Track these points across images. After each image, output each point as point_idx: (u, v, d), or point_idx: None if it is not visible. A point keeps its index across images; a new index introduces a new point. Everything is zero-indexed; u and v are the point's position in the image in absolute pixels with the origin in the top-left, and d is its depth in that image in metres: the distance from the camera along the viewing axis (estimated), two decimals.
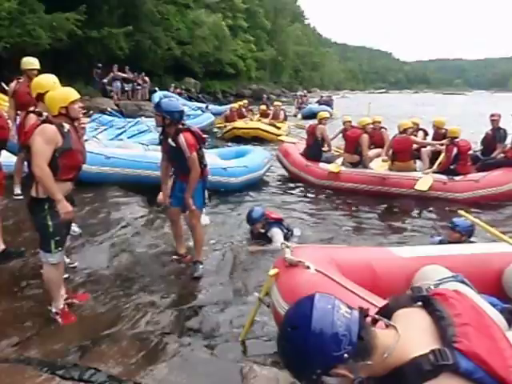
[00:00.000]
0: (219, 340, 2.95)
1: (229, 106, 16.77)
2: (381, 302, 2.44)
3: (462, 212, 3.13)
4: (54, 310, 3.02)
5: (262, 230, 4.88)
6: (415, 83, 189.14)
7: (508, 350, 1.12)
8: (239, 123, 13.42)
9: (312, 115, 13.24)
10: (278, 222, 4.99)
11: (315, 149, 8.06)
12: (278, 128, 13.61)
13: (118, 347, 2.63)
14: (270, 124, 13.72)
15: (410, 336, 1.11)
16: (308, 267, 2.58)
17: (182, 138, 3.78)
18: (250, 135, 12.66)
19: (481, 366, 1.05)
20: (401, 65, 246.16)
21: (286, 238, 4.85)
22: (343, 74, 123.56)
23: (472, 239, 4.22)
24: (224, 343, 2.90)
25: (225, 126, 13.99)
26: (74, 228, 4.23)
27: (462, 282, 2.76)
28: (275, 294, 2.64)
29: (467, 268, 3.00)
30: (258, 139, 12.60)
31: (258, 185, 7.64)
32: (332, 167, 7.57)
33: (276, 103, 16.18)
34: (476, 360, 1.05)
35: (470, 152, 7.44)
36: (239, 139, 12.43)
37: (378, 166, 7.70)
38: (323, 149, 8.22)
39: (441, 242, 4.22)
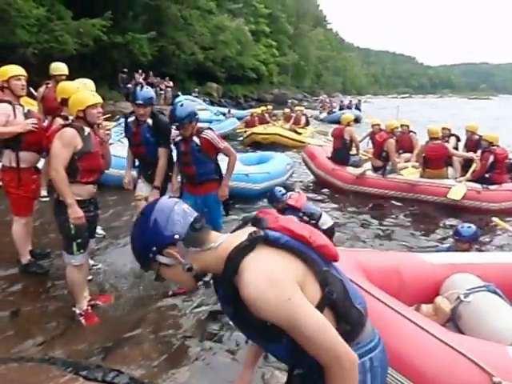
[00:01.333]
0: (240, 345, 2.93)
1: (250, 111, 16.58)
2: (403, 308, 2.38)
3: (495, 219, 3.02)
4: (77, 311, 3.06)
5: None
6: (439, 88, 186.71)
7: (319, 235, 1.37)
8: (258, 128, 13.12)
9: None
10: (295, 211, 4.57)
11: (343, 152, 7.86)
12: (299, 134, 13.31)
13: (141, 349, 2.65)
14: (291, 129, 13.41)
15: (237, 235, 1.30)
16: None
17: (209, 132, 3.72)
18: (269, 141, 12.34)
19: (286, 232, 1.27)
20: (425, 69, 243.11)
21: None
22: (366, 79, 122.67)
23: (504, 248, 4.04)
24: (245, 348, 2.88)
25: (245, 132, 13.81)
26: (99, 230, 4.30)
27: (494, 292, 2.67)
28: None
29: (499, 278, 2.89)
30: (280, 145, 12.27)
31: None
32: (358, 171, 7.44)
33: (297, 108, 15.80)
34: (282, 230, 1.27)
35: (506, 161, 7.10)
36: (259, 145, 12.17)
37: (409, 172, 7.46)
38: (351, 152, 8.04)
39: (449, 250, 4.05)
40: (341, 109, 23.61)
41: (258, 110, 15.64)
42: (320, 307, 1.23)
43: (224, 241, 1.27)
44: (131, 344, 2.72)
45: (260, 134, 12.67)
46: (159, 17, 25.24)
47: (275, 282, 1.14)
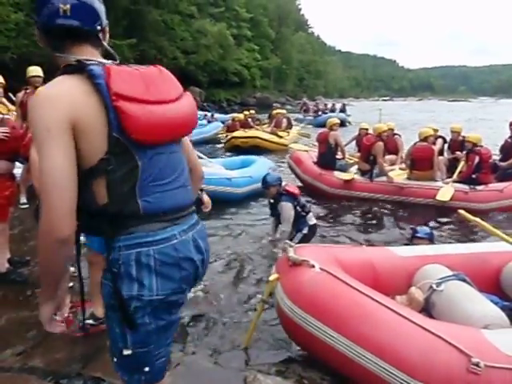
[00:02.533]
0: (223, 348, 2.93)
1: (231, 116, 16.32)
2: (385, 299, 2.45)
3: (461, 211, 3.15)
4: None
5: (272, 200, 4.73)
6: (419, 90, 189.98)
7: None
8: (238, 132, 12.87)
9: None
10: (292, 197, 4.73)
11: (329, 156, 7.77)
12: (280, 137, 13.14)
13: None
14: (272, 133, 13.21)
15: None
16: (313, 266, 2.58)
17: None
18: (249, 144, 12.07)
19: (108, 82, 1.19)
20: (405, 72, 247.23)
21: (298, 216, 4.68)
22: (347, 82, 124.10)
23: (471, 238, 4.25)
24: (227, 351, 2.89)
25: (226, 136, 13.60)
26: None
27: (464, 280, 2.84)
28: (280, 294, 2.63)
29: (466, 267, 3.08)
30: (262, 149, 12.13)
31: (263, 194, 7.55)
32: (345, 176, 7.38)
33: (278, 111, 15.46)
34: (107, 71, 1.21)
35: (490, 160, 7.20)
36: (241, 150, 11.86)
37: (396, 174, 7.43)
38: (337, 156, 7.96)
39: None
40: (325, 112, 23.52)
41: (241, 115, 15.42)
42: (94, 169, 1.20)
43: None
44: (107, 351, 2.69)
45: (239, 137, 12.44)
46: (140, 21, 25.16)
47: (49, 103, 1.16)
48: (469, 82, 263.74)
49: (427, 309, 2.84)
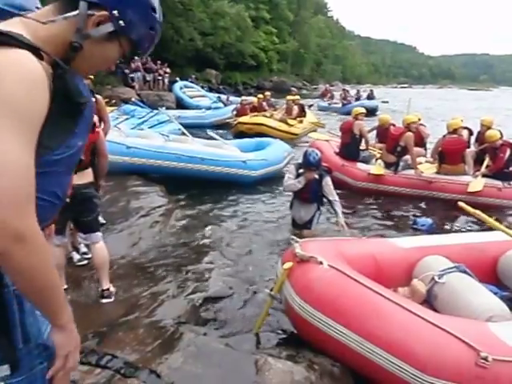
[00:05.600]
0: (234, 331, 2.97)
1: (240, 99, 15.23)
2: (393, 296, 2.45)
3: (461, 204, 3.13)
4: (111, 289, 3.15)
5: (317, 176, 4.65)
6: (439, 78, 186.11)
7: None
8: (244, 118, 12.22)
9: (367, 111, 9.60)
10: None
11: (353, 147, 7.33)
12: (290, 125, 12.23)
13: (135, 334, 2.67)
14: (281, 120, 12.27)
15: None
16: (321, 263, 2.58)
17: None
18: (254, 131, 11.25)
19: None
20: (425, 59, 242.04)
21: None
22: (366, 68, 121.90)
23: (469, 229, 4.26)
24: (238, 335, 2.91)
25: (234, 121, 12.73)
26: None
27: (465, 271, 2.89)
28: (288, 291, 2.64)
29: (465, 257, 3.14)
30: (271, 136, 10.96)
31: (277, 177, 7.30)
32: (374, 169, 6.95)
33: (289, 97, 14.03)
34: None
35: None
36: (250, 136, 10.71)
37: (425, 168, 7.00)
38: (360, 147, 7.51)
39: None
40: (357, 99, 21.85)
41: (254, 99, 14.57)
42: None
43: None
44: (125, 329, 2.73)
45: (245, 123, 11.90)
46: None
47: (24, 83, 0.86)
48: (491, 71, 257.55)
49: (429, 300, 2.87)
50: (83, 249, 3.74)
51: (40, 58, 0.93)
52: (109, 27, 1.03)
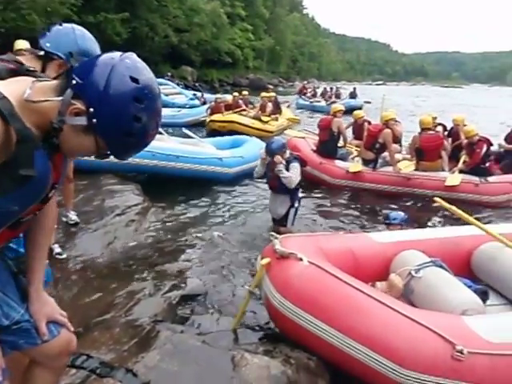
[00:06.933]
0: (211, 328, 2.97)
1: (215, 97, 14.80)
2: (372, 291, 2.50)
3: (437, 199, 3.21)
4: None
5: (283, 164, 4.53)
6: (413, 75, 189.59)
7: None
8: (216, 116, 11.99)
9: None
10: (302, 163, 4.75)
11: (331, 145, 7.30)
12: (264, 122, 12.10)
13: (111, 334, 2.64)
14: (255, 118, 12.13)
15: None
16: (301, 259, 2.59)
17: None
18: (227, 129, 11.15)
19: None
20: (399, 56, 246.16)
21: (297, 186, 4.64)
22: (341, 65, 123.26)
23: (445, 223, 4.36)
24: (216, 331, 2.92)
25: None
26: (73, 216, 4.23)
27: (441, 266, 2.95)
28: (268, 287, 2.65)
29: (441, 251, 3.21)
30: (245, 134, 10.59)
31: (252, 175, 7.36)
32: (353, 167, 6.97)
33: (263, 94, 14.00)
34: None
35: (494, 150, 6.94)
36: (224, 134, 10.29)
37: (404, 165, 7.05)
38: (338, 145, 7.50)
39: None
40: (337, 97, 21.27)
41: (228, 97, 14.32)
42: None
43: None
44: (101, 328, 2.71)
45: (217, 121, 11.73)
46: None
47: None
48: (462, 69, 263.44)
49: (406, 295, 2.93)
50: (57, 249, 3.68)
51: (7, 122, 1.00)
52: (83, 121, 1.07)
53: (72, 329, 1.48)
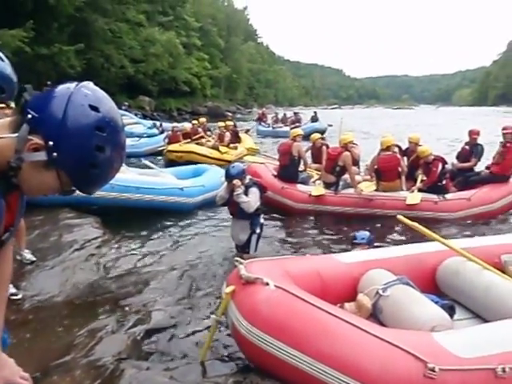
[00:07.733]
0: (178, 362, 2.87)
1: (171, 126, 14.41)
2: (341, 313, 2.49)
3: (400, 217, 3.28)
4: None
5: (241, 188, 4.47)
6: (366, 99, 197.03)
7: None
8: (173, 146, 11.76)
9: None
10: (262, 190, 4.70)
11: (292, 169, 7.24)
12: (223, 153, 11.91)
13: (71, 377, 2.51)
14: (214, 147, 12.01)
15: None
16: (267, 284, 2.54)
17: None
18: (184, 159, 10.88)
19: None
20: (352, 81, 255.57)
21: (257, 211, 4.59)
22: (297, 91, 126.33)
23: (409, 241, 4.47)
24: (183, 365, 2.82)
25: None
26: (28, 255, 4.05)
27: (407, 283, 2.97)
28: (235, 314, 2.59)
29: (406, 268, 3.25)
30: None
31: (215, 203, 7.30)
32: (315, 190, 6.95)
33: (220, 124, 13.74)
34: None
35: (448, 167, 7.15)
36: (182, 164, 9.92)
37: (365, 186, 7.06)
38: (299, 169, 7.43)
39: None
40: (295, 122, 20.62)
41: (187, 125, 14.09)
42: None
43: None
44: (60, 372, 2.56)
45: (174, 151, 11.51)
46: (86, 29, 24.50)
47: None
48: (411, 91, 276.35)
49: (375, 314, 2.93)
50: (11, 289, 3.49)
51: None
52: (42, 156, 1.01)
53: None
